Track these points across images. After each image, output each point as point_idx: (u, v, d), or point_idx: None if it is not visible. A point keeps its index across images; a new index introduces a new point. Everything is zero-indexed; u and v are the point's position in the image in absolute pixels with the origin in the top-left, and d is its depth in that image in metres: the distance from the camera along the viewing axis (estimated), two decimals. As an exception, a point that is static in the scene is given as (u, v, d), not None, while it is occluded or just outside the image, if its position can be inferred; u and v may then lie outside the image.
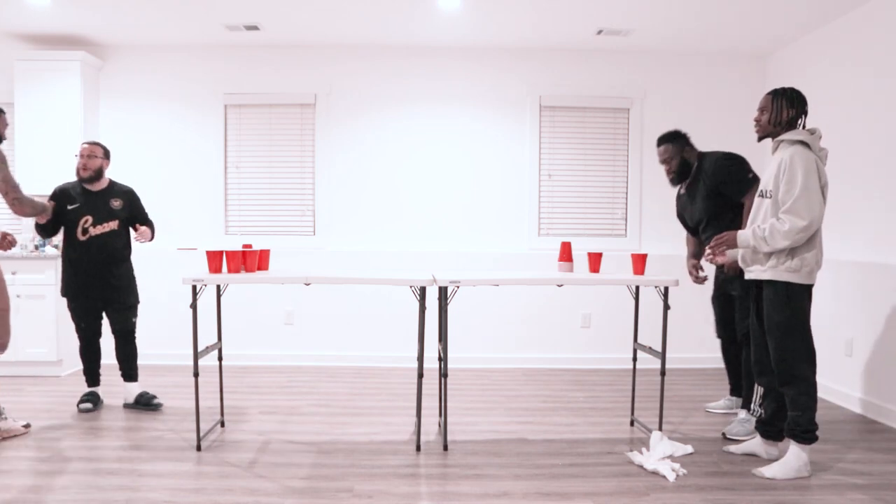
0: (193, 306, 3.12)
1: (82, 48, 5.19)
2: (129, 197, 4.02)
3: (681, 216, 3.85)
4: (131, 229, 4.03)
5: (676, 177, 3.70)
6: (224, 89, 5.30)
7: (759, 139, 3.05)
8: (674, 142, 3.65)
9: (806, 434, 2.84)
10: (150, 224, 4.07)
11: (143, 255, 5.28)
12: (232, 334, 5.28)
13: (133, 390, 4.01)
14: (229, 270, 3.19)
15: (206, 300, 4.90)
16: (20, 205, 3.49)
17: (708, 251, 3.06)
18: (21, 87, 4.87)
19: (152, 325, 5.29)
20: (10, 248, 3.42)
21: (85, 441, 3.34)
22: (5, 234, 3.38)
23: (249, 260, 3.25)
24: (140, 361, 5.24)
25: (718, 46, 5.16)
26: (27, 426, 3.50)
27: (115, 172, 5.31)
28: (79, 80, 4.93)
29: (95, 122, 5.22)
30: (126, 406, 4.01)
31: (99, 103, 5.27)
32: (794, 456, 2.88)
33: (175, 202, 5.34)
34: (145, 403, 3.98)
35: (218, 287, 3.51)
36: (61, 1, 4.27)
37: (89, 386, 4.00)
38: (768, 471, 2.89)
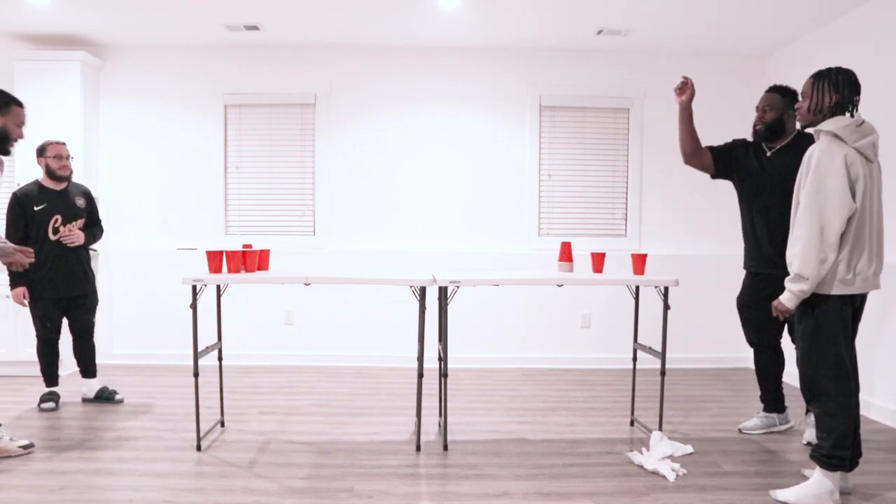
0: (193, 306, 3.12)
1: (82, 48, 5.19)
2: (89, 196, 4.09)
3: (743, 171, 3.47)
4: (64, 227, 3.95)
5: (764, 131, 3.38)
6: (224, 89, 5.30)
7: (803, 129, 2.74)
8: (784, 97, 3.36)
9: (828, 459, 2.53)
10: (100, 225, 4.12)
11: (144, 255, 5.29)
12: (232, 334, 5.28)
13: (94, 386, 4.12)
14: (229, 270, 3.19)
15: (206, 300, 4.90)
16: None
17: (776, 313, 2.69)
18: (21, 87, 4.86)
19: (152, 325, 5.29)
20: (20, 268, 3.16)
21: (84, 441, 3.34)
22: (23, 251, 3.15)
23: (249, 260, 3.25)
24: (140, 362, 5.29)
25: (718, 46, 5.16)
26: (29, 447, 3.18)
27: (115, 172, 5.32)
28: (79, 80, 4.93)
29: (95, 122, 5.22)
30: (85, 400, 4.11)
31: (99, 103, 5.27)
32: (815, 482, 2.57)
33: (175, 202, 5.34)
34: (107, 398, 4.09)
35: (218, 287, 3.50)
36: (61, 1, 4.27)
37: (49, 386, 4.01)
38: (783, 493, 2.63)
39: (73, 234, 3.88)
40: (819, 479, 2.57)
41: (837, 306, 2.53)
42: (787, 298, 2.57)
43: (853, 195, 2.47)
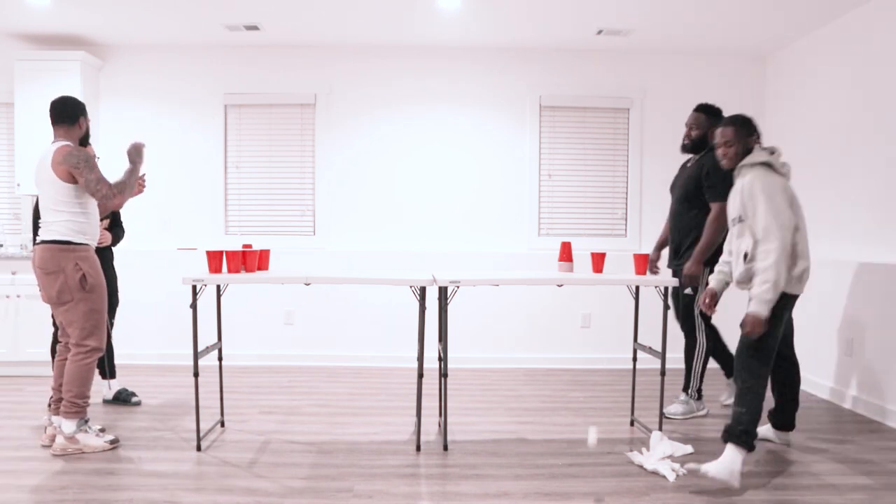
0: (193, 306, 3.12)
1: (82, 48, 5.19)
2: None
3: (672, 188, 3.99)
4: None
5: (690, 147, 3.82)
6: (224, 89, 5.30)
7: (730, 170, 3.07)
8: (710, 116, 3.73)
9: (745, 436, 2.74)
10: (121, 227, 4.10)
11: (144, 255, 5.29)
12: (232, 334, 5.28)
13: (113, 386, 4.09)
14: (229, 270, 3.19)
15: (206, 300, 4.90)
16: (121, 194, 3.19)
17: (709, 308, 3.09)
18: (21, 87, 4.87)
19: (152, 325, 5.29)
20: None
21: (85, 441, 3.33)
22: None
23: (249, 260, 3.25)
24: (140, 361, 5.28)
25: (718, 46, 5.16)
26: (114, 442, 3.27)
27: (115, 172, 5.31)
28: (79, 80, 4.92)
29: (95, 122, 5.22)
30: (105, 402, 4.08)
31: (99, 103, 5.27)
32: (728, 459, 2.74)
33: (175, 202, 5.34)
34: (125, 400, 4.06)
35: (218, 287, 3.51)
36: (61, 1, 4.27)
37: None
38: (707, 466, 2.73)
39: (101, 235, 3.76)
40: (731, 457, 2.74)
41: (783, 304, 2.86)
42: (763, 308, 2.78)
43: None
